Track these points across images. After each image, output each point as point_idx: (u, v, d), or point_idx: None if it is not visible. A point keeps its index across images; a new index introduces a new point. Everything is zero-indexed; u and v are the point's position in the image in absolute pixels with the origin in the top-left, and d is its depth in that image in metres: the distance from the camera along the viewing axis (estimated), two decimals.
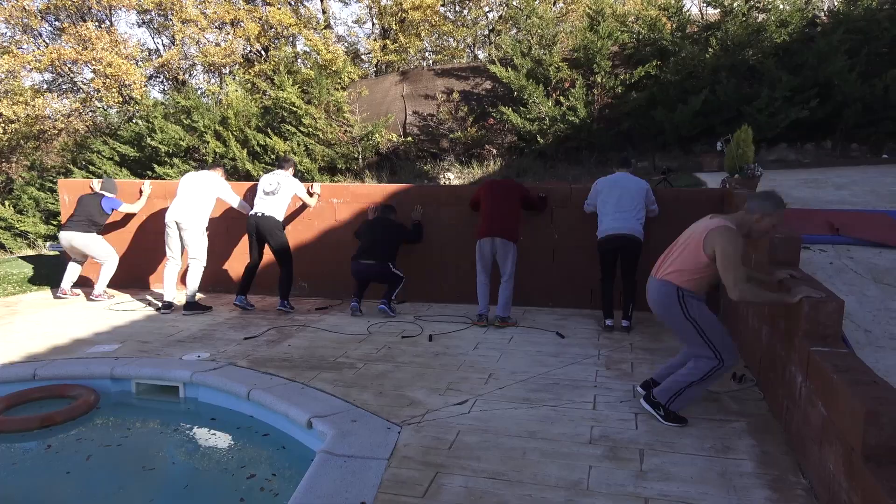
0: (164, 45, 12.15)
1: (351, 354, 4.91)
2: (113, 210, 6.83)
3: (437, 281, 6.53)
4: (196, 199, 6.25)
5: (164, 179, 11.18)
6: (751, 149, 5.88)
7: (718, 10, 9.43)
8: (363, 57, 12.62)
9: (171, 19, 11.14)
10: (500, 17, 11.64)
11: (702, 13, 11.13)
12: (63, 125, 11.01)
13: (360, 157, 11.09)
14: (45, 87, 11.34)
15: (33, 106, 10.34)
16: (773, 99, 8.73)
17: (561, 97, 9.88)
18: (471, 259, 5.86)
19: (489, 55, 11.76)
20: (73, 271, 6.96)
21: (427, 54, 13.45)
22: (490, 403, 3.91)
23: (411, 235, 6.30)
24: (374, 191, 6.70)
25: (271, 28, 11.21)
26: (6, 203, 11.61)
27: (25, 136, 11.34)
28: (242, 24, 11.04)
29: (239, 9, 11.17)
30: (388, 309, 5.97)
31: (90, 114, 11.59)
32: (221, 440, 3.96)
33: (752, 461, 3.12)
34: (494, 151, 10.61)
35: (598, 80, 9.70)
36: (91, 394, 4.33)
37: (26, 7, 10.70)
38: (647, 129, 9.45)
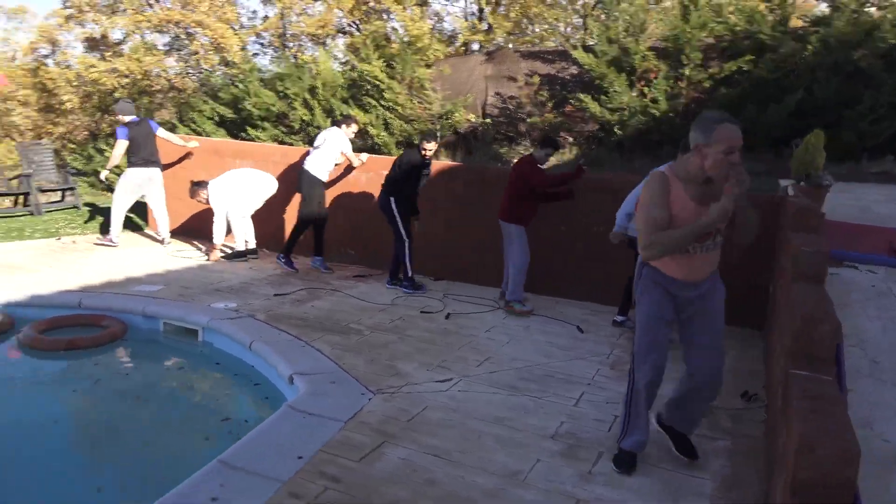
0: (261, 11, 12.77)
1: (364, 322, 5.01)
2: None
3: (477, 262, 6.47)
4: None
5: (255, 141, 11.80)
6: (822, 155, 5.35)
7: (826, 4, 8.57)
8: (451, 35, 12.63)
9: None
10: (595, 3, 11.22)
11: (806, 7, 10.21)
12: (169, 83, 11.88)
13: (438, 134, 11.14)
14: (163, 47, 12.29)
15: (142, 63, 11.25)
16: (877, 104, 7.87)
17: (645, 88, 9.43)
18: None
19: (576, 39, 11.40)
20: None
21: (515, 36, 13.26)
22: (473, 385, 3.87)
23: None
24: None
25: (366, 2, 11.46)
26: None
27: (139, 90, 12.33)
28: None
29: None
30: (396, 286, 6.02)
31: (197, 75, 12.44)
32: (216, 383, 4.19)
33: (715, 482, 2.91)
34: (571, 139, 10.32)
35: (686, 72, 9.15)
36: (120, 326, 4.71)
37: None
38: None
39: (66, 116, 13.32)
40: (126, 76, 11.57)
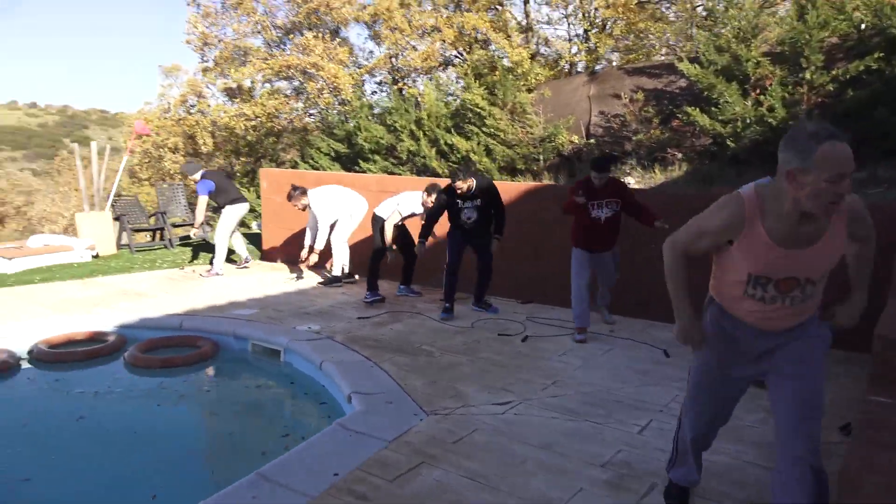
0: (377, 51, 13.44)
1: (437, 344, 5.00)
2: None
3: (567, 285, 6.20)
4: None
5: (366, 173, 12.35)
6: None
7: None
8: (553, 57, 12.52)
9: (380, 27, 12.25)
10: (706, 14, 10.66)
11: None
12: (288, 123, 12.81)
13: (541, 158, 11.04)
14: (291, 91, 13.30)
15: (266, 107, 12.24)
16: None
17: (760, 96, 8.74)
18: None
19: (684, 51, 10.81)
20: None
21: (619, 53, 12.86)
22: (531, 409, 3.71)
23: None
24: (505, 188, 6.67)
25: (467, 33, 11.70)
26: (251, 189, 13.83)
27: (266, 132, 13.40)
28: (441, 31, 11.70)
29: (440, 15, 11.87)
30: (482, 309, 5.98)
31: (313, 114, 13.31)
32: (287, 401, 4.35)
33: None
34: (679, 155, 9.76)
35: (807, 76, 8.36)
36: (212, 347, 5.05)
37: (272, 23, 12.76)
38: (868, 134, 7.90)
39: (207, 160, 14.75)
40: (252, 119, 12.64)
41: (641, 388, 4.09)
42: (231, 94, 16.25)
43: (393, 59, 12.79)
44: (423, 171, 12.04)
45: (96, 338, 5.26)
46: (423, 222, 6.08)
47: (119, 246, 9.47)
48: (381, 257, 6.49)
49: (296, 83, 13.07)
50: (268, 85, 14.86)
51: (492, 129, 10.98)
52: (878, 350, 2.45)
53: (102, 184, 9.55)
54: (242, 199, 7.79)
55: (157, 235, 9.92)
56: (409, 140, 11.97)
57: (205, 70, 14.87)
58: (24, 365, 4.81)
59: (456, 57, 12.49)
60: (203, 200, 7.59)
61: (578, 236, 5.16)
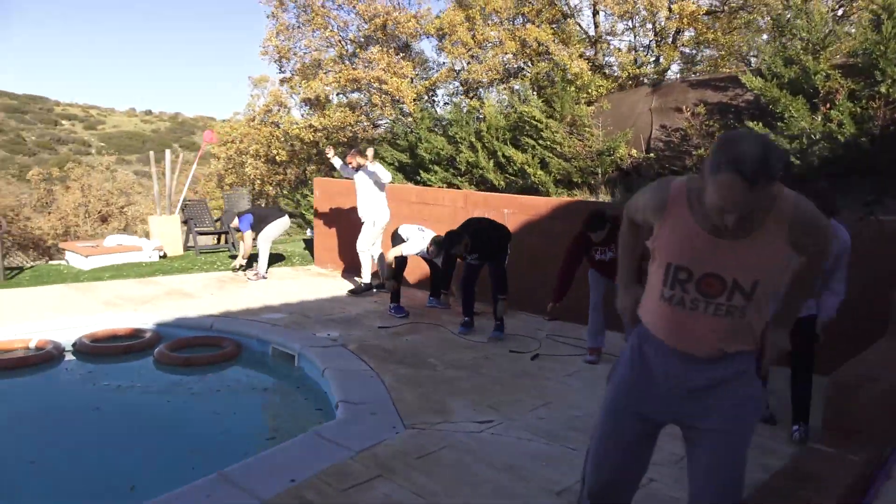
0: (441, 65, 13.63)
1: (446, 357, 5.03)
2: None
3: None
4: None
5: (427, 185, 12.55)
6: None
7: None
8: (617, 69, 12.22)
9: (444, 42, 12.44)
10: (774, 25, 10.12)
11: None
12: (353, 134, 13.21)
13: (599, 171, 10.82)
14: (361, 102, 13.75)
15: (332, 119, 12.70)
16: None
17: (830, 111, 8.18)
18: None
19: (752, 63, 10.25)
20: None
21: (684, 64, 12.36)
22: (510, 429, 3.68)
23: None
24: (540, 203, 6.62)
25: (529, 45, 11.66)
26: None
27: (334, 142, 13.89)
28: (504, 43, 11.74)
29: (503, 29, 11.90)
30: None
31: (380, 126, 13.67)
32: (287, 405, 4.52)
33: None
34: None
35: (882, 89, 7.75)
36: (235, 348, 5.31)
37: (344, 37, 13.26)
38: None
39: (283, 167, 15.48)
40: (319, 130, 13.14)
41: None
42: (311, 104, 16.98)
43: (458, 72, 12.93)
44: (482, 182, 12.09)
45: (136, 334, 5.66)
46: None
47: (186, 247, 10.11)
48: (402, 270, 6.59)
49: (365, 95, 13.48)
50: (343, 97, 15.44)
51: (548, 142, 10.88)
52: (832, 395, 2.28)
53: (175, 188, 10.23)
54: (282, 215, 8.24)
55: (223, 239, 10.50)
56: (468, 151, 12.06)
57: (282, 81, 15.62)
58: (68, 356, 5.24)
59: (519, 70, 12.47)
60: (248, 236, 8.10)
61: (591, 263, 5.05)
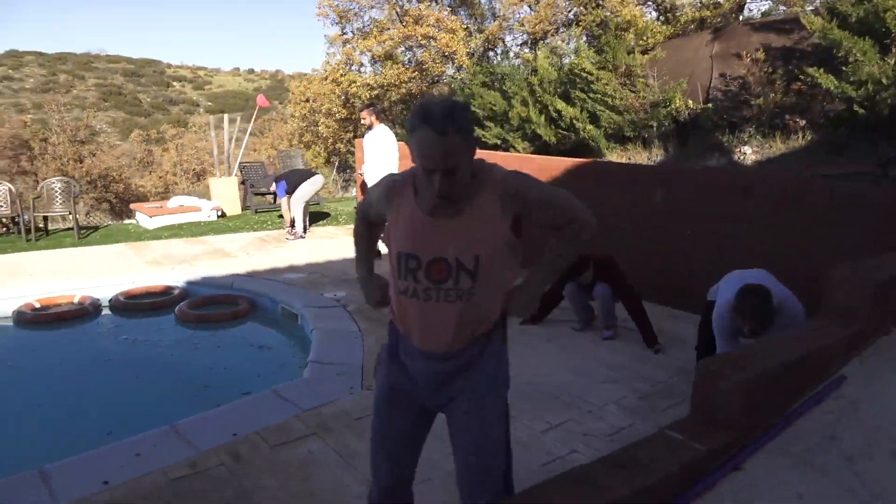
0: (494, 16, 13.27)
1: None
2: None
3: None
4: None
5: (483, 143, 12.48)
6: None
7: None
8: (675, 14, 11.41)
9: None
10: None
11: None
12: (407, 91, 13.26)
13: (654, 124, 10.33)
14: (406, 58, 13.77)
15: (385, 76, 12.77)
16: None
17: None
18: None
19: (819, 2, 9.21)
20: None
21: (749, 9, 11.34)
22: None
23: None
24: (553, 164, 6.48)
25: None
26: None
27: (396, 100, 14.05)
28: None
29: None
30: None
31: (435, 82, 13.62)
32: (273, 362, 4.82)
33: None
34: (802, 123, 8.54)
35: None
36: (248, 307, 5.69)
37: None
38: None
39: (342, 125, 15.85)
40: (375, 89, 13.30)
41: (594, 384, 3.94)
42: (378, 60, 17.16)
43: (511, 23, 12.59)
44: (535, 139, 11.87)
45: (166, 292, 6.17)
46: None
47: (244, 207, 10.70)
48: None
49: (419, 52, 13.47)
50: (408, 53, 15.46)
51: (599, 95, 10.48)
52: (698, 381, 2.21)
53: (231, 150, 10.79)
54: (311, 175, 8.55)
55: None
56: (521, 106, 11.83)
57: (344, 41, 15.82)
58: (105, 312, 5.82)
59: (574, 19, 11.96)
60: (284, 202, 8.42)
61: None
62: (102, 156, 22.62)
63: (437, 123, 1.61)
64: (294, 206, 8.40)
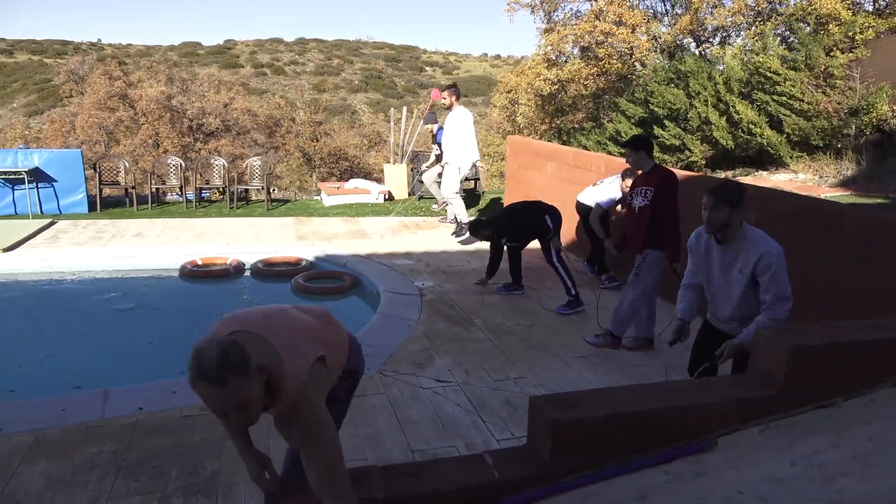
0: (685, 9, 12.30)
1: (493, 321, 5.31)
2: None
3: None
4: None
5: (662, 142, 11.93)
6: None
7: None
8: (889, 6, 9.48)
9: None
10: None
11: None
12: (585, 87, 13.00)
13: (851, 133, 8.98)
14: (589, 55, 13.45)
15: (564, 71, 12.67)
16: None
17: None
18: None
19: None
20: None
21: None
22: (456, 394, 4.00)
23: None
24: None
25: None
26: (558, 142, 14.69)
27: (577, 95, 13.94)
28: None
29: None
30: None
31: (620, 79, 13.12)
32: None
33: None
34: None
35: None
36: (350, 284, 6.43)
37: None
38: None
39: (529, 120, 16.12)
40: (555, 83, 13.32)
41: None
42: (583, 51, 17.08)
43: (701, 17, 11.68)
44: (715, 143, 10.99)
45: (297, 263, 7.17)
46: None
47: (411, 192, 11.64)
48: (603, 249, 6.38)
49: (599, 49, 13.14)
50: (602, 47, 15.19)
51: (785, 97, 9.34)
52: (529, 411, 2.27)
53: (407, 139, 11.74)
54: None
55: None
56: (702, 105, 11.01)
57: (546, 32, 15.99)
58: (246, 274, 7.00)
59: (772, 12, 10.71)
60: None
61: None
62: (336, 135, 25.76)
63: (213, 375, 1.67)
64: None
